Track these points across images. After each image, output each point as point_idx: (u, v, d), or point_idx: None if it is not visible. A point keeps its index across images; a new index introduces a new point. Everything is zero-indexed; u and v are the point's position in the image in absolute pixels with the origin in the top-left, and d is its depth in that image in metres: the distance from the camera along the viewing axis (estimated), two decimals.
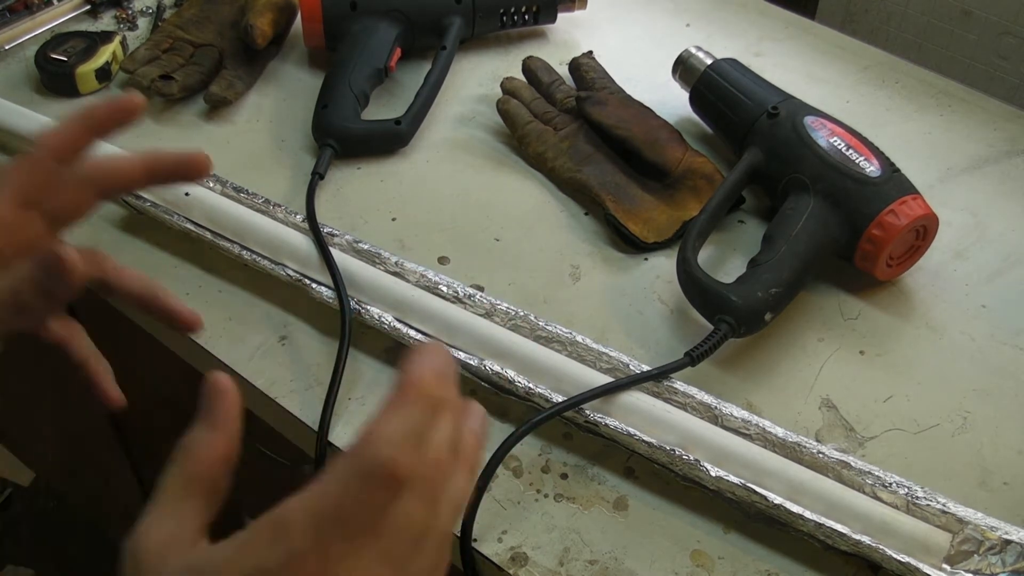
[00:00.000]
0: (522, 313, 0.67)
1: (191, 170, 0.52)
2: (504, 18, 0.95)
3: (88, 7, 0.98)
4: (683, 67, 0.86)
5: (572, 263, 0.76)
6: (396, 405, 0.35)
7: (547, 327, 0.67)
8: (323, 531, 0.33)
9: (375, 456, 0.33)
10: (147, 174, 0.52)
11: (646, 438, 0.60)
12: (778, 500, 0.57)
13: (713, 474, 0.58)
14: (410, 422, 0.34)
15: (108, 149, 0.78)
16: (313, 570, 0.33)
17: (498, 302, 0.68)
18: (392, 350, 0.69)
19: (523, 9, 0.95)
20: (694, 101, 0.86)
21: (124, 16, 0.98)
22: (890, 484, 0.58)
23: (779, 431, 0.61)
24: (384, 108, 0.88)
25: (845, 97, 0.92)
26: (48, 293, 0.48)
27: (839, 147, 0.73)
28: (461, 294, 0.69)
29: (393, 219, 0.79)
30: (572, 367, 0.64)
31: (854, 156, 0.73)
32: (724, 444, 0.60)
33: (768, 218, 0.75)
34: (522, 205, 0.81)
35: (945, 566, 0.55)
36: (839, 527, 0.56)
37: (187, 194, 0.75)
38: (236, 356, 0.68)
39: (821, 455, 0.60)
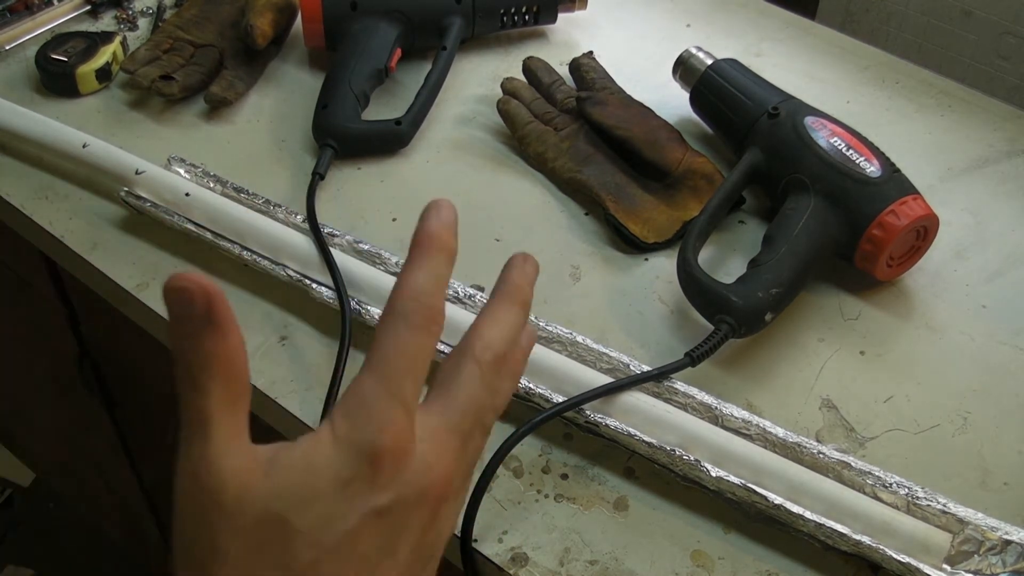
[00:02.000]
0: None
1: None
2: (504, 18, 0.95)
3: (88, 7, 0.98)
4: (683, 67, 0.86)
5: (572, 263, 0.76)
6: (419, 262, 0.38)
7: (547, 327, 0.67)
8: (395, 383, 0.35)
9: (413, 305, 0.36)
10: None
11: (646, 438, 0.60)
12: (778, 500, 0.57)
13: (713, 474, 0.58)
14: (435, 273, 0.38)
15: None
16: (402, 431, 0.34)
17: None
18: None
19: (523, 9, 0.95)
20: (694, 101, 0.86)
21: (124, 16, 0.98)
22: (890, 484, 0.58)
23: (779, 431, 0.61)
24: (384, 108, 0.88)
25: (845, 97, 0.92)
26: None
27: (839, 147, 0.73)
28: (461, 294, 0.69)
29: (393, 219, 0.79)
30: (572, 367, 0.64)
31: (854, 156, 0.73)
32: (724, 444, 0.60)
33: (768, 218, 0.75)
34: (522, 205, 0.81)
35: (945, 566, 0.55)
36: (839, 527, 0.56)
37: (187, 194, 0.75)
38: None
39: (821, 455, 0.60)
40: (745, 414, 0.62)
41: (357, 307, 0.68)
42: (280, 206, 0.75)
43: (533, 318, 0.67)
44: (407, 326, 0.36)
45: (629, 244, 0.77)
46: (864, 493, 0.58)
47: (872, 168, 0.72)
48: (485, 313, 0.39)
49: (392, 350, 0.35)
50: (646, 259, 0.77)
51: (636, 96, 0.86)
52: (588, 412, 0.61)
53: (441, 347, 0.65)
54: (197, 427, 0.34)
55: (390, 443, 0.34)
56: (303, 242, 0.72)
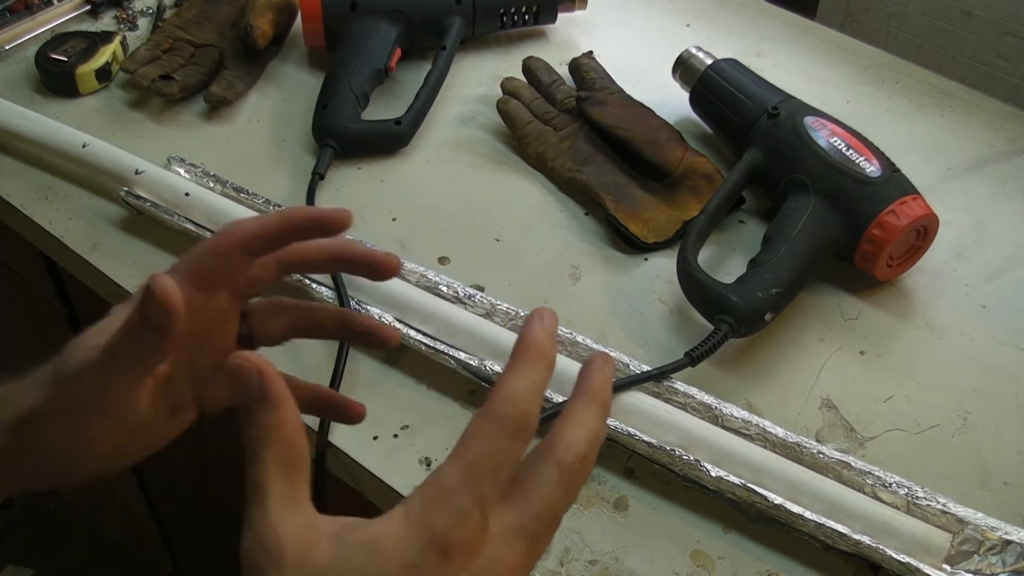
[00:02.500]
0: (522, 313, 0.67)
1: (377, 271, 0.49)
2: (504, 18, 0.95)
3: (88, 7, 0.98)
4: (683, 67, 0.86)
5: (572, 263, 0.76)
6: (521, 369, 0.38)
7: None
8: (478, 482, 0.35)
9: (509, 409, 0.36)
10: (333, 262, 0.50)
11: (646, 438, 0.60)
12: (778, 500, 0.57)
13: (713, 474, 0.58)
14: (534, 381, 0.37)
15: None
16: (476, 528, 0.35)
17: (498, 302, 0.68)
18: (392, 350, 0.69)
19: (523, 9, 0.95)
20: (694, 101, 0.86)
21: (124, 16, 0.98)
22: (890, 484, 0.58)
23: (779, 431, 0.61)
24: (384, 108, 0.88)
25: (845, 97, 0.92)
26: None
27: (839, 147, 0.73)
28: (461, 294, 0.69)
29: (393, 219, 0.79)
30: (572, 367, 0.64)
31: (854, 156, 0.73)
32: (724, 444, 0.60)
33: (768, 218, 0.75)
34: (522, 205, 0.81)
35: (945, 566, 0.55)
36: (839, 527, 0.56)
37: (187, 194, 0.75)
38: None
39: (821, 455, 0.60)
40: (745, 414, 0.62)
41: (357, 307, 0.68)
42: (280, 206, 0.75)
43: None
44: (500, 430, 0.36)
45: (629, 244, 0.77)
46: (864, 493, 0.58)
47: (872, 168, 0.72)
48: (568, 414, 0.39)
49: (481, 449, 0.36)
50: (646, 259, 0.77)
51: (636, 96, 0.86)
52: None
53: (461, 355, 0.65)
54: (256, 495, 0.37)
55: (463, 536, 0.35)
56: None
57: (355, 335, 0.53)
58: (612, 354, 0.65)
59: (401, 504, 0.36)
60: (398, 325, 0.67)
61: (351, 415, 0.53)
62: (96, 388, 0.44)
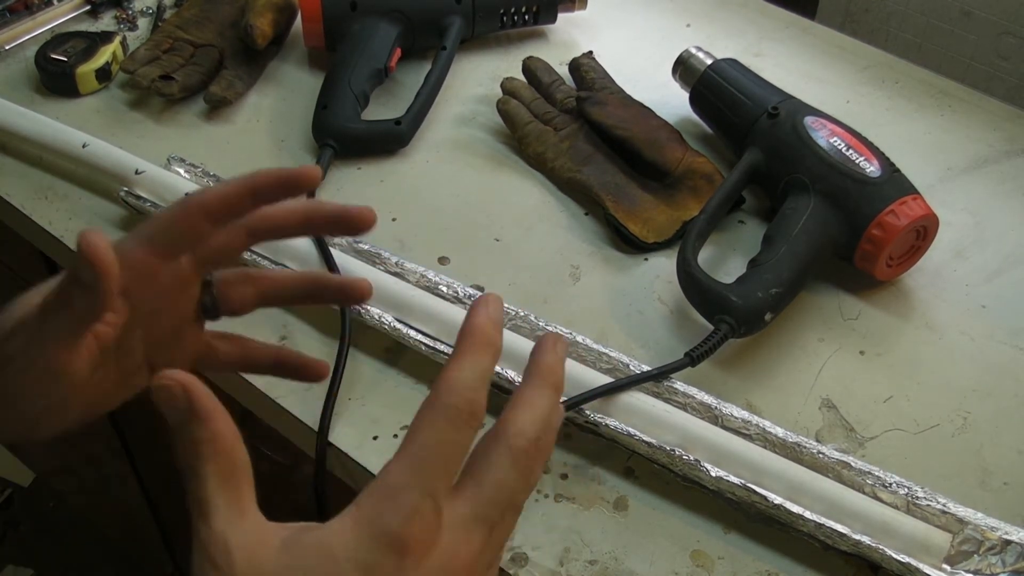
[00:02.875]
0: (522, 313, 0.67)
1: (351, 225, 0.48)
2: (504, 18, 0.95)
3: (88, 7, 0.98)
4: (683, 67, 0.86)
5: (572, 263, 0.76)
6: (465, 356, 0.37)
7: (547, 327, 0.67)
8: (427, 475, 0.35)
9: (454, 399, 0.36)
10: (304, 224, 0.49)
11: (646, 438, 0.60)
12: (778, 500, 0.57)
13: (713, 474, 0.58)
14: (480, 369, 0.37)
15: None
16: (429, 522, 0.34)
17: None
18: (392, 350, 0.69)
19: (523, 9, 0.95)
20: (694, 101, 0.86)
21: (124, 16, 0.98)
22: (890, 484, 0.58)
23: (779, 431, 0.61)
24: (384, 108, 0.88)
25: (845, 97, 0.92)
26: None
27: (839, 147, 0.73)
28: (461, 294, 0.69)
29: (393, 219, 0.79)
30: (572, 367, 0.64)
31: (854, 156, 0.73)
32: (724, 444, 0.60)
33: (768, 218, 0.75)
34: (522, 205, 0.81)
35: (945, 566, 0.55)
36: (839, 527, 0.56)
37: (187, 194, 0.75)
38: None
39: (821, 455, 0.60)
40: (745, 414, 0.62)
41: (357, 307, 0.68)
42: None
43: (533, 317, 0.67)
44: (446, 420, 0.35)
45: (629, 244, 0.77)
46: (864, 493, 0.58)
47: (872, 168, 0.72)
48: (517, 397, 0.38)
49: (429, 442, 0.35)
50: (646, 259, 0.77)
51: (636, 96, 0.86)
52: (588, 412, 0.61)
53: (442, 347, 0.65)
54: (199, 510, 0.36)
55: (416, 533, 0.34)
56: (302, 242, 0.72)
57: (329, 295, 0.52)
58: (612, 354, 0.65)
59: (352, 505, 0.35)
60: (397, 325, 0.67)
61: (313, 373, 0.53)
62: (25, 347, 0.43)
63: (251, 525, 0.36)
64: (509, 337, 0.66)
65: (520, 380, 0.63)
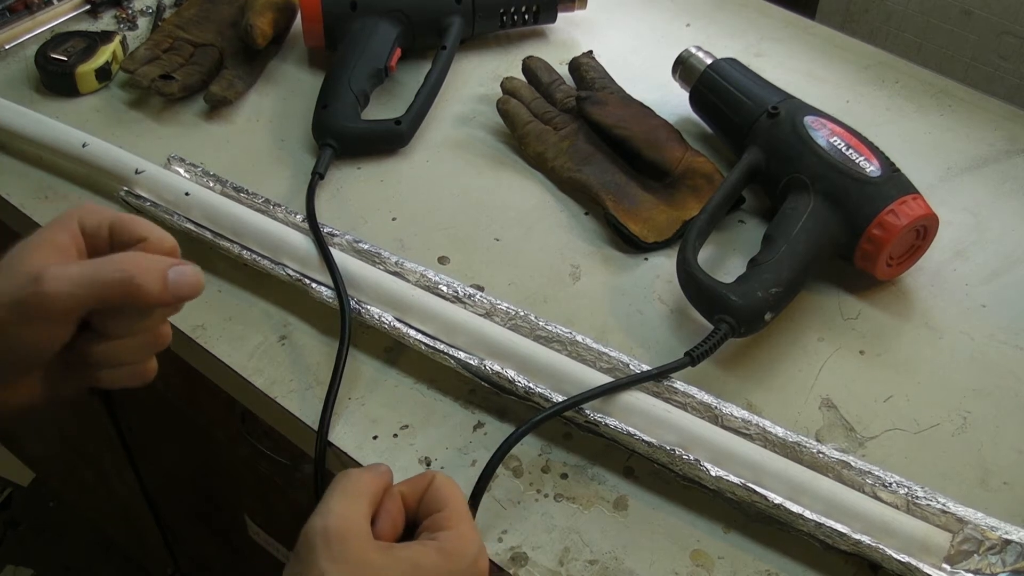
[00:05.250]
0: (522, 313, 0.67)
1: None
2: (504, 18, 0.95)
3: (88, 7, 0.98)
4: (683, 67, 0.86)
5: (572, 263, 0.76)
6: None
7: (547, 327, 0.67)
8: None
9: None
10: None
11: (646, 438, 0.60)
12: (778, 500, 0.57)
13: (713, 474, 0.58)
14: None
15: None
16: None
17: (498, 302, 0.68)
18: (392, 350, 0.69)
19: (523, 9, 0.95)
20: (694, 101, 0.86)
21: (124, 16, 0.98)
22: (890, 484, 0.58)
23: (779, 431, 0.61)
24: (384, 108, 0.88)
25: (845, 97, 0.92)
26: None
27: (839, 147, 0.73)
28: (461, 294, 0.69)
29: (393, 219, 0.79)
30: (572, 367, 0.64)
31: (854, 156, 0.73)
32: (724, 444, 0.60)
33: (768, 218, 0.75)
34: (522, 205, 0.81)
35: (945, 566, 0.55)
36: (839, 527, 0.56)
37: (187, 194, 0.75)
38: (236, 356, 0.68)
39: (821, 455, 0.60)
40: (745, 414, 0.62)
41: (357, 307, 0.68)
42: (280, 206, 0.75)
43: (533, 317, 0.67)
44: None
45: (629, 244, 0.77)
46: (864, 493, 0.58)
47: (872, 168, 0.72)
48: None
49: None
50: (646, 259, 0.77)
51: (636, 96, 0.86)
52: (588, 412, 0.61)
53: (461, 355, 0.65)
54: (329, 492, 0.48)
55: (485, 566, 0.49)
56: (303, 242, 0.72)
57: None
58: (612, 354, 0.65)
59: (433, 540, 0.47)
60: (397, 325, 0.67)
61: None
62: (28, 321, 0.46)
63: (367, 526, 0.47)
64: (509, 337, 0.66)
65: (520, 380, 0.63)
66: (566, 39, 0.98)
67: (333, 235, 0.73)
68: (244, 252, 0.72)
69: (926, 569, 0.54)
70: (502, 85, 0.88)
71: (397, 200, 0.80)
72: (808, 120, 0.76)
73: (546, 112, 0.85)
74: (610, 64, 0.90)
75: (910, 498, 0.58)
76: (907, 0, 1.06)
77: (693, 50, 0.86)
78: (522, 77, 0.90)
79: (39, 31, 0.95)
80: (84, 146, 0.79)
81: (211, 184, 0.77)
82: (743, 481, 0.58)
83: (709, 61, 0.84)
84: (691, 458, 0.59)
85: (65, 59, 0.88)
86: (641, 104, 0.85)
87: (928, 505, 0.57)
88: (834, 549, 0.57)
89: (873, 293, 0.74)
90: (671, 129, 0.82)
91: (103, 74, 0.89)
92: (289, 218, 0.74)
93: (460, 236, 0.78)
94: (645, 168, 0.80)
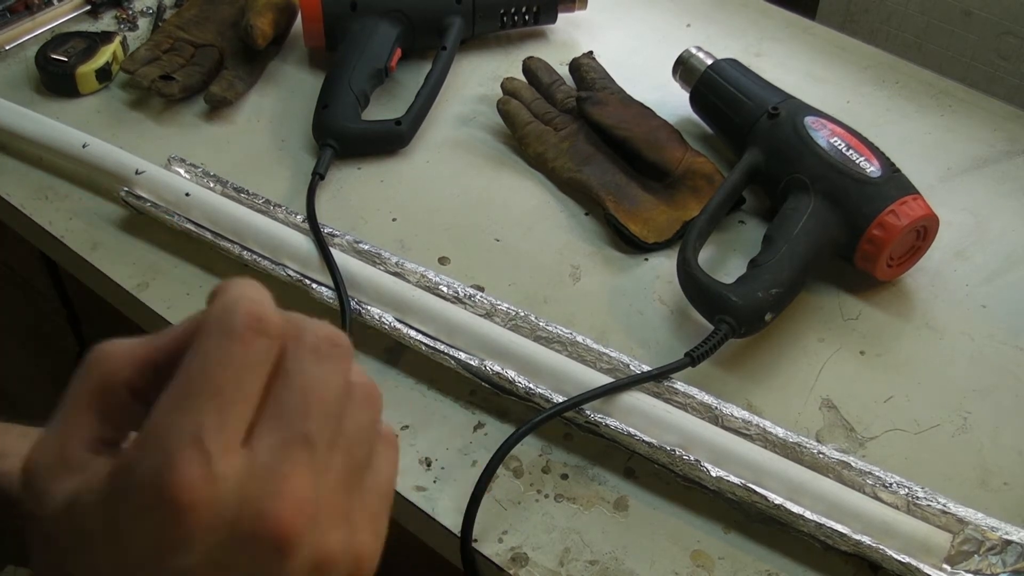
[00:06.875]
0: (522, 313, 0.67)
1: None
2: (504, 18, 0.95)
3: (88, 7, 0.98)
4: (683, 67, 0.86)
5: (572, 263, 0.76)
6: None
7: (547, 327, 0.67)
8: (188, 412, 0.27)
9: (215, 311, 0.28)
10: None
11: (646, 438, 0.60)
12: (778, 500, 0.57)
13: (714, 474, 0.58)
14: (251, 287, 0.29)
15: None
16: (196, 469, 0.26)
17: (498, 302, 0.68)
18: (392, 350, 0.69)
19: (523, 9, 0.95)
20: (694, 101, 0.86)
21: (124, 16, 0.98)
22: (890, 484, 0.58)
23: (779, 431, 0.61)
24: (384, 108, 0.88)
25: (845, 97, 0.92)
26: None
27: (839, 147, 0.73)
28: (461, 294, 0.69)
29: (393, 219, 0.79)
30: (572, 367, 0.64)
31: (854, 156, 0.73)
32: (724, 444, 0.60)
33: (768, 218, 0.75)
34: (522, 205, 0.81)
35: (945, 566, 0.55)
36: (839, 527, 0.56)
37: (187, 194, 0.75)
38: None
39: (821, 455, 0.60)
40: (745, 414, 0.62)
41: (357, 307, 0.68)
42: (280, 206, 0.75)
43: (533, 317, 0.67)
44: (213, 331, 0.28)
45: (629, 244, 0.77)
46: (864, 493, 0.58)
47: (872, 168, 0.72)
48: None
49: (191, 365, 0.28)
50: (646, 259, 0.77)
51: (636, 96, 0.86)
52: (588, 412, 0.61)
53: (461, 355, 0.65)
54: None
55: (178, 487, 0.26)
56: (303, 242, 0.72)
57: None
58: (612, 354, 0.65)
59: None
60: (398, 325, 0.67)
61: None
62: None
63: (68, 453, 0.29)
64: (510, 337, 0.66)
65: (520, 380, 0.63)
66: (566, 39, 0.98)
67: (333, 235, 0.73)
68: (244, 253, 0.72)
69: (926, 569, 0.54)
70: (502, 85, 0.88)
71: (397, 200, 0.80)
72: (808, 120, 0.76)
73: (546, 113, 0.85)
74: (610, 64, 0.90)
75: (910, 498, 0.58)
76: (907, 0, 1.06)
77: (693, 50, 0.86)
78: (522, 77, 0.90)
79: (39, 32, 0.95)
80: (84, 146, 0.79)
81: (211, 184, 0.77)
82: (743, 482, 0.58)
83: (709, 61, 0.84)
84: (691, 459, 0.59)
85: (65, 60, 0.88)
86: (641, 105, 0.85)
87: (928, 506, 0.57)
88: (834, 549, 0.57)
89: (873, 293, 0.74)
90: (671, 130, 0.82)
91: (103, 75, 0.89)
92: (289, 219, 0.74)
93: (460, 236, 0.78)
94: (645, 169, 0.80)
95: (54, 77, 0.88)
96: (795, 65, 0.96)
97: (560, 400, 0.62)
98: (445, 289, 0.69)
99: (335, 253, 0.71)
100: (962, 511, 0.57)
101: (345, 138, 0.83)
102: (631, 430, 0.60)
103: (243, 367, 0.27)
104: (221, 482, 0.26)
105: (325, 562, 0.28)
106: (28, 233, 0.80)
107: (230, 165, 0.82)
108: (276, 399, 0.28)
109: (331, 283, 0.69)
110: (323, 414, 0.29)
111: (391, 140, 0.84)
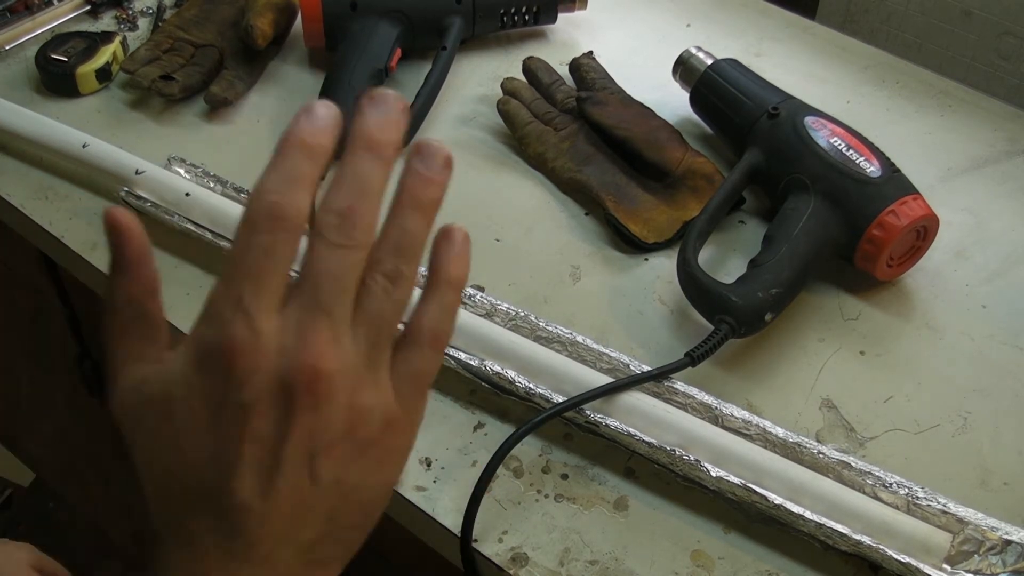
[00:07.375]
0: (522, 313, 0.67)
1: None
2: (504, 18, 0.95)
3: (88, 7, 0.98)
4: (683, 67, 0.86)
5: (572, 263, 0.76)
6: (270, 164, 0.37)
7: (547, 327, 0.67)
8: (234, 285, 0.34)
9: (255, 205, 0.35)
10: None
11: (646, 438, 0.60)
12: (778, 500, 0.57)
13: (714, 474, 0.58)
14: (286, 171, 0.37)
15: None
16: (242, 332, 0.34)
17: (498, 302, 0.68)
18: None
19: (523, 9, 0.95)
20: (694, 101, 0.86)
21: (124, 16, 0.98)
22: (890, 484, 0.58)
23: (779, 431, 0.61)
24: None
25: (845, 97, 0.92)
26: None
27: (839, 147, 0.73)
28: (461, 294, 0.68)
29: None
30: (572, 367, 0.64)
31: (854, 156, 0.73)
32: (724, 444, 0.60)
33: (768, 218, 0.75)
34: (522, 205, 0.81)
35: (945, 566, 0.55)
36: (839, 527, 0.56)
37: (187, 194, 0.75)
38: None
39: (821, 455, 0.60)
40: (745, 414, 0.62)
41: None
42: None
43: (533, 317, 0.67)
44: (249, 228, 0.34)
45: (629, 244, 0.77)
46: (864, 493, 0.58)
47: (872, 168, 0.72)
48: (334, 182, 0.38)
49: (234, 253, 0.35)
50: (646, 259, 0.77)
51: (636, 96, 0.86)
52: (588, 412, 0.61)
53: (461, 355, 0.65)
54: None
55: (228, 343, 0.34)
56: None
57: None
58: (612, 354, 0.65)
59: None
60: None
61: None
62: None
63: (142, 369, 0.37)
64: (510, 337, 0.66)
65: (520, 380, 0.63)
66: (566, 39, 0.98)
67: None
68: None
69: (926, 570, 0.54)
70: (502, 86, 0.88)
71: None
72: (808, 120, 0.76)
73: (546, 113, 0.85)
74: (610, 64, 0.90)
75: (910, 498, 0.58)
76: (907, 0, 1.06)
77: (693, 50, 0.86)
78: (522, 78, 0.90)
79: (39, 32, 0.95)
80: (84, 146, 0.79)
81: (212, 185, 0.77)
82: (743, 482, 0.58)
83: (709, 62, 0.84)
84: (691, 459, 0.59)
85: (65, 60, 0.88)
86: (641, 105, 0.85)
87: (928, 506, 0.57)
88: (834, 550, 0.57)
89: (873, 293, 0.74)
90: (671, 130, 0.82)
91: (103, 75, 0.89)
92: None
93: None
94: (645, 169, 0.80)
95: (54, 77, 0.88)
96: (795, 65, 0.96)
97: (560, 400, 0.62)
98: None
99: None
100: (962, 511, 0.57)
101: (345, 138, 0.82)
102: (631, 430, 0.60)
103: (267, 251, 0.34)
104: (263, 337, 0.34)
105: (357, 411, 0.35)
106: (28, 233, 0.80)
107: (230, 165, 0.81)
108: (301, 280, 0.35)
109: None
110: (334, 291, 0.35)
111: None
